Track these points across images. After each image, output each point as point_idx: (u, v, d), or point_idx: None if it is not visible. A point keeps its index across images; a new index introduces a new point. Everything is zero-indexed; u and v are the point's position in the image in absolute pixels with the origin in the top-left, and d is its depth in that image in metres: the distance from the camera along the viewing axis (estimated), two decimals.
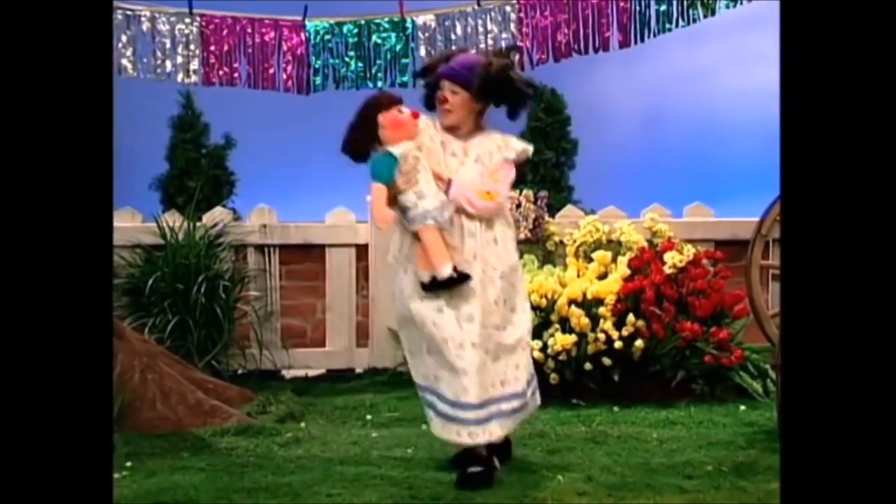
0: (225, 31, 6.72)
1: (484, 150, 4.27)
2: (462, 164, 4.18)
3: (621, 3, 6.61)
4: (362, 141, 4.18)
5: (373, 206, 4.17)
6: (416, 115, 4.12)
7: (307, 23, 6.77)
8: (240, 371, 6.67)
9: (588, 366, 5.84)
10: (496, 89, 4.26)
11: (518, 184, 5.42)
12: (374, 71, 6.76)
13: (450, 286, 4.07)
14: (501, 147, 4.31)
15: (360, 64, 6.77)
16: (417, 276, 4.15)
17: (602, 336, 5.83)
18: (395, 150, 4.06)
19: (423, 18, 6.78)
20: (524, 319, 4.32)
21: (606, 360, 5.84)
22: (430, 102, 4.33)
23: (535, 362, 5.68)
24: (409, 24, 6.77)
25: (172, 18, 6.65)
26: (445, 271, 4.06)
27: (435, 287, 4.07)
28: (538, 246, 6.57)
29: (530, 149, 4.42)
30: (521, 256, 6.32)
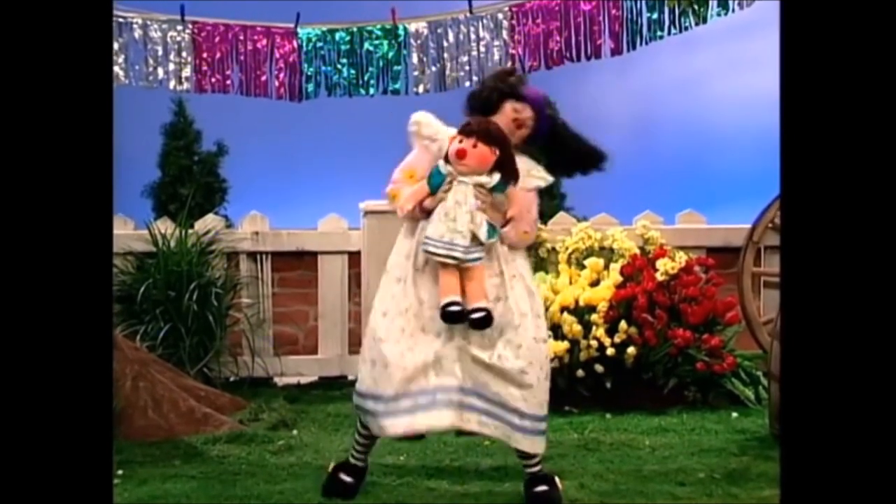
0: (217, 39, 6.72)
1: None
2: None
3: (613, 11, 6.62)
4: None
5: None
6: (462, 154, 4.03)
7: (299, 30, 6.78)
8: (232, 378, 6.65)
9: (580, 373, 5.84)
10: (561, 148, 4.28)
11: None
12: (366, 78, 6.77)
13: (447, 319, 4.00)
14: (533, 173, 4.20)
15: (352, 71, 6.77)
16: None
17: (594, 343, 5.83)
18: (443, 168, 4.03)
19: (415, 26, 6.79)
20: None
21: (599, 367, 5.84)
22: (480, 106, 4.23)
23: None
24: (401, 32, 6.78)
25: (164, 26, 6.65)
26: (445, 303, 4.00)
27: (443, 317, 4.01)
28: (530, 253, 6.55)
29: (550, 179, 4.28)
30: None
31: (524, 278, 4.15)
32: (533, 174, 4.20)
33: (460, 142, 3.99)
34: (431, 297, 4.04)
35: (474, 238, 3.97)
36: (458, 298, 3.96)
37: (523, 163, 4.17)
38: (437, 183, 4.02)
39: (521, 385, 4.05)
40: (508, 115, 4.19)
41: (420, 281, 4.09)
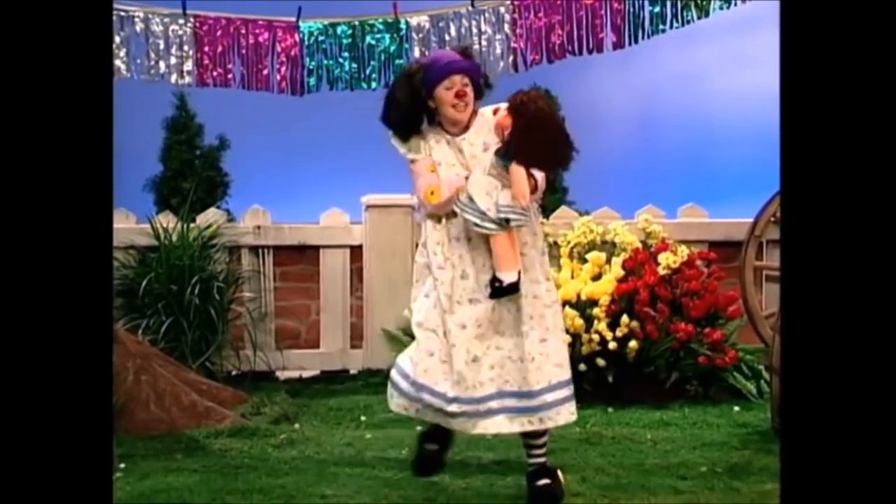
0: (219, 32, 6.71)
1: (486, 130, 4.15)
2: (474, 158, 4.12)
3: (615, 5, 6.61)
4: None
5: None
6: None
7: (301, 24, 6.76)
8: (234, 372, 6.66)
9: (582, 367, 5.83)
10: (486, 86, 4.25)
11: None
12: (368, 72, 6.75)
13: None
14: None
15: (353, 65, 6.76)
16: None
17: (596, 337, 5.83)
18: None
19: (417, 19, 6.78)
20: None
21: (601, 361, 5.84)
22: (414, 114, 4.18)
23: None
24: (403, 25, 6.76)
25: (166, 19, 6.64)
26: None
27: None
28: None
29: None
30: None
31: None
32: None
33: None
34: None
35: (472, 200, 3.99)
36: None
37: (479, 117, 4.15)
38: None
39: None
40: (446, 97, 4.10)
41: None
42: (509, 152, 3.97)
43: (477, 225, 4.00)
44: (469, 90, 4.11)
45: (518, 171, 3.95)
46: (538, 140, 3.97)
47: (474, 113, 4.17)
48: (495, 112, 4.12)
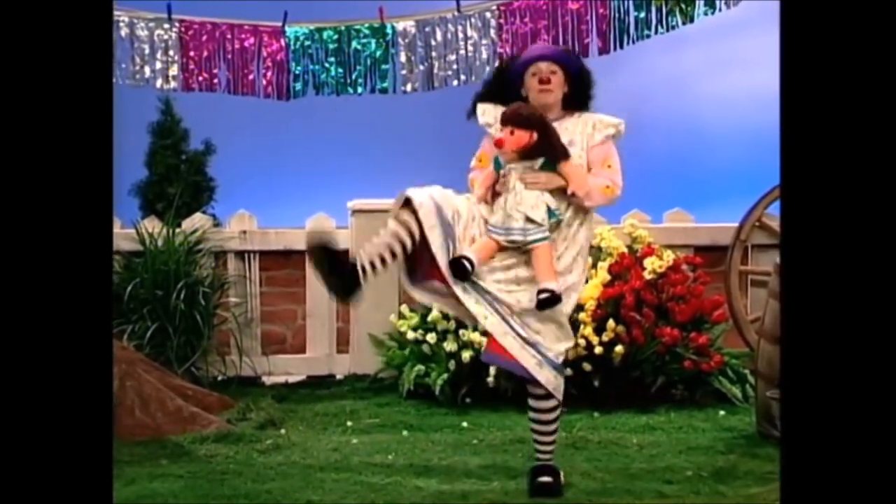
0: (204, 37, 6.70)
1: (577, 131, 4.30)
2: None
3: (600, 10, 6.62)
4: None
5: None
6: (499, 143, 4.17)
7: (287, 28, 6.76)
8: (219, 378, 6.63)
9: (568, 371, 5.82)
10: (586, 74, 4.44)
11: None
12: (354, 77, 6.75)
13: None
14: (598, 125, 4.34)
15: (340, 70, 6.75)
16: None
17: (582, 342, 5.83)
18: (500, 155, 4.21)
19: (403, 24, 6.78)
20: None
21: (586, 366, 5.84)
22: (509, 96, 4.35)
23: None
24: (389, 30, 6.76)
25: (151, 24, 6.63)
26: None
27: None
28: None
29: (617, 122, 4.41)
30: None
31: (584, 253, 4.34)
32: (599, 126, 4.34)
33: (500, 131, 4.18)
34: None
35: (529, 220, 4.10)
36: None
37: (584, 116, 4.36)
38: (498, 169, 4.23)
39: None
40: (532, 84, 4.30)
41: None
42: (557, 155, 4.17)
43: (528, 240, 4.13)
44: (555, 77, 4.30)
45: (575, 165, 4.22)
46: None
47: (574, 113, 4.35)
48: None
